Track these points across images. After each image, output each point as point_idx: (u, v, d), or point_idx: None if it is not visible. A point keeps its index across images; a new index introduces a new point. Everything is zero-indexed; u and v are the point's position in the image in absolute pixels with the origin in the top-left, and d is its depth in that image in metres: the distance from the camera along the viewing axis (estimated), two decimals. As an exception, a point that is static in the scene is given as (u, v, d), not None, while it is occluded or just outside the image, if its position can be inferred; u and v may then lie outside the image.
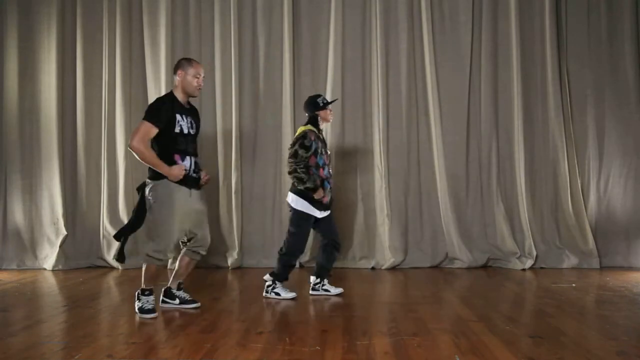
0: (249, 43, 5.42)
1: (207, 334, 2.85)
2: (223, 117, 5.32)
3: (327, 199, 3.77)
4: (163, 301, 3.52)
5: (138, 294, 3.31)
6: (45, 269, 5.21)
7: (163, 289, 3.54)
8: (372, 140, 5.32)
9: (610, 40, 5.33)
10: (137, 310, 3.27)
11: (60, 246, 5.20)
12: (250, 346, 2.60)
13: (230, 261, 5.19)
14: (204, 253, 3.46)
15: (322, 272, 3.93)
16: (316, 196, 3.64)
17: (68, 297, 3.94)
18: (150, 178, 3.23)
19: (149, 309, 3.24)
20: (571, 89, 5.36)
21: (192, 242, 3.38)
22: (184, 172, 3.17)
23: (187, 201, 3.25)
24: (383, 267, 5.13)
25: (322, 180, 3.71)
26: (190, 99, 3.38)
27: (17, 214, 5.36)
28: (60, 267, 5.15)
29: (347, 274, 4.91)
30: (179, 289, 3.53)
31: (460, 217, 5.27)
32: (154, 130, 3.14)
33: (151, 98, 5.40)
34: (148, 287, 3.29)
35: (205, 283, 4.46)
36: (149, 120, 3.14)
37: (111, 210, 5.33)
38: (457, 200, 5.28)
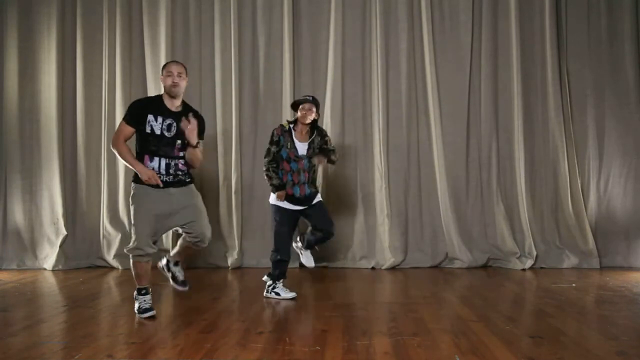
0: (249, 43, 5.42)
1: (207, 334, 2.85)
2: (223, 117, 5.32)
3: (289, 193, 3.83)
4: (162, 269, 3.59)
5: (135, 294, 3.33)
6: (45, 269, 5.21)
7: (165, 258, 3.59)
8: (372, 140, 5.32)
9: (610, 40, 5.33)
10: (135, 310, 3.29)
11: (60, 246, 5.20)
12: (250, 346, 2.60)
13: (230, 261, 5.19)
14: (204, 245, 3.42)
15: (302, 239, 4.16)
16: (277, 197, 3.84)
17: (68, 297, 3.94)
18: (134, 181, 3.28)
19: (145, 308, 3.26)
20: (571, 89, 5.36)
21: (190, 236, 3.35)
22: (156, 181, 3.16)
23: (166, 201, 3.23)
24: (383, 267, 5.13)
25: (287, 173, 3.84)
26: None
27: (17, 214, 5.37)
28: (60, 267, 5.15)
29: (347, 274, 4.91)
30: (175, 264, 3.55)
31: (460, 217, 5.27)
32: (127, 128, 3.24)
33: (151, 98, 5.42)
34: (142, 286, 3.31)
35: (205, 283, 4.46)
36: (123, 119, 3.27)
37: (111, 210, 5.33)
38: (457, 200, 5.28)
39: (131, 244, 3.23)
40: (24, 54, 5.40)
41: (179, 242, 3.49)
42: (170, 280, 3.56)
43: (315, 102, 3.88)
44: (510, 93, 5.32)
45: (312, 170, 3.94)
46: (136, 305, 3.30)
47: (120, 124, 3.28)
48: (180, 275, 3.56)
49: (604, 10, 5.33)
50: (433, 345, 2.61)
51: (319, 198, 4.02)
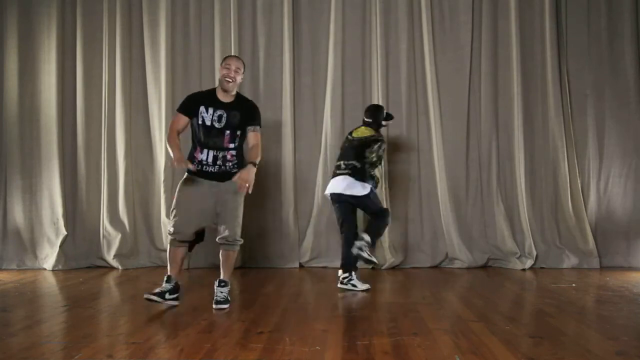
0: (249, 43, 5.42)
1: (207, 334, 2.84)
2: (223, 117, 5.33)
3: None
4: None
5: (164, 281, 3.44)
6: (45, 269, 5.21)
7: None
8: (372, 140, 5.32)
9: (610, 40, 5.33)
10: (156, 295, 3.37)
11: (60, 246, 5.20)
12: (250, 346, 2.60)
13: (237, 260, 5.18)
14: (232, 244, 3.45)
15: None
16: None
17: (68, 297, 3.94)
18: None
19: (159, 292, 3.34)
20: (571, 89, 5.36)
21: (218, 234, 3.47)
22: (186, 166, 3.27)
23: (206, 193, 3.36)
24: (383, 267, 5.13)
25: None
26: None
27: (17, 214, 5.36)
28: (60, 267, 5.15)
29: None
30: (219, 284, 3.52)
31: (460, 217, 5.27)
32: (180, 118, 3.40)
33: (151, 98, 5.42)
34: (168, 274, 3.42)
35: (205, 283, 4.45)
36: (177, 109, 3.46)
37: (111, 210, 5.33)
38: (457, 200, 5.28)
39: (170, 224, 3.38)
40: (24, 54, 5.40)
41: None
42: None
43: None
44: (510, 93, 5.32)
45: None
46: (157, 289, 3.37)
47: (174, 116, 3.48)
48: (219, 296, 3.47)
49: (604, 10, 5.34)
50: (433, 345, 2.61)
51: None
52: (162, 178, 5.28)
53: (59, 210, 5.29)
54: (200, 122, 3.35)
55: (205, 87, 5.39)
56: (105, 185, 5.34)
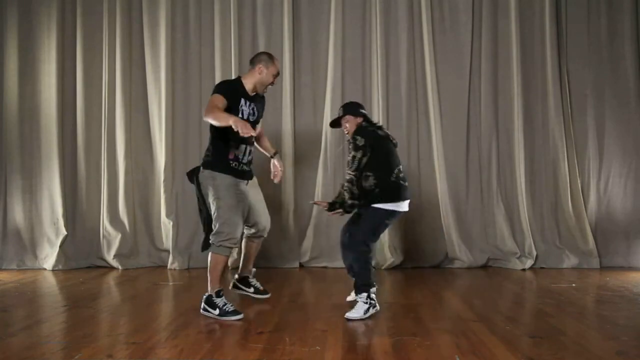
0: (249, 43, 5.42)
1: (207, 334, 2.85)
2: (223, 117, 5.33)
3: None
4: (235, 286, 3.68)
5: (209, 298, 3.20)
6: (45, 269, 5.21)
7: (236, 275, 3.71)
8: (372, 140, 5.32)
9: (610, 40, 5.33)
10: (217, 315, 3.15)
11: (60, 246, 5.20)
12: (250, 346, 2.60)
13: (230, 261, 5.17)
14: (266, 235, 3.62)
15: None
16: None
17: (68, 297, 3.94)
18: (206, 167, 3.26)
19: (234, 310, 3.16)
20: (571, 89, 5.36)
21: (254, 229, 3.51)
22: (247, 125, 2.91)
23: (244, 191, 3.34)
24: (383, 267, 5.13)
25: None
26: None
27: (17, 214, 5.36)
28: (60, 267, 5.15)
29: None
30: (253, 276, 3.68)
31: (460, 217, 5.27)
32: (222, 100, 3.11)
33: (151, 98, 5.41)
34: (221, 287, 3.25)
35: (205, 283, 4.45)
36: (217, 92, 3.16)
37: (111, 210, 5.33)
38: (457, 200, 5.28)
39: (221, 235, 3.16)
40: (24, 54, 5.40)
41: (244, 249, 3.62)
42: (254, 295, 3.67)
43: (346, 111, 3.49)
44: (510, 93, 5.32)
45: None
46: (216, 312, 3.15)
47: (213, 97, 3.13)
48: (259, 286, 3.70)
49: (604, 10, 5.33)
50: (433, 345, 2.61)
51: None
52: (162, 178, 5.28)
53: (59, 210, 5.29)
54: (240, 115, 3.21)
55: (205, 86, 5.42)
56: (105, 185, 5.34)
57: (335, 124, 3.59)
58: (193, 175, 3.35)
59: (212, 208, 3.23)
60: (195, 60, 5.43)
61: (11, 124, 5.40)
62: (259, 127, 3.55)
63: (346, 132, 3.48)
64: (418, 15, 5.35)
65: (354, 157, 3.26)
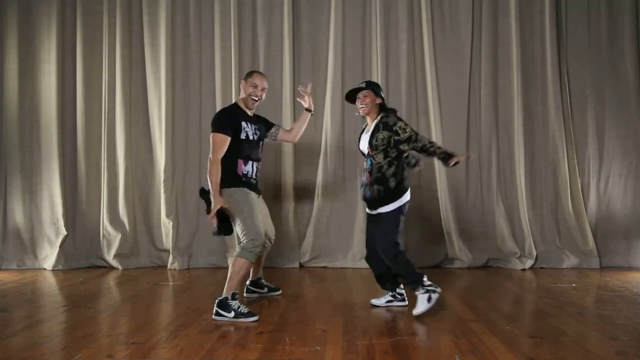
0: (249, 43, 5.42)
1: (207, 334, 2.85)
2: (223, 117, 5.33)
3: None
4: (249, 291, 3.89)
5: (224, 301, 3.19)
6: (45, 269, 5.21)
7: (248, 281, 3.90)
8: (372, 140, 5.32)
9: (610, 40, 5.33)
10: (232, 318, 3.13)
11: (60, 246, 5.20)
12: (250, 346, 2.60)
13: (230, 261, 5.17)
14: (272, 243, 3.85)
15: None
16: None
17: (68, 297, 3.94)
18: (221, 187, 3.33)
19: (249, 312, 3.16)
20: (571, 89, 5.36)
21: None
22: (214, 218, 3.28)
23: (257, 202, 3.56)
24: (383, 267, 5.12)
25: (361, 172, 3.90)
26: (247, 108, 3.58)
27: (17, 214, 5.36)
28: (60, 267, 5.15)
29: (347, 274, 4.91)
30: (261, 278, 3.93)
31: (460, 217, 5.27)
32: (226, 140, 3.34)
33: (151, 98, 5.42)
34: (238, 290, 3.27)
35: (205, 283, 4.46)
36: (218, 132, 3.34)
37: (111, 210, 5.33)
38: (457, 200, 5.28)
39: (256, 241, 3.27)
40: (24, 54, 5.40)
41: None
42: (268, 293, 3.93)
43: (370, 87, 3.40)
44: (510, 93, 5.32)
45: (375, 169, 3.30)
46: (231, 315, 3.14)
47: (215, 137, 3.33)
48: (270, 284, 3.97)
49: (604, 10, 5.34)
50: (433, 345, 2.61)
51: (383, 209, 3.32)
52: (162, 178, 5.28)
53: (59, 210, 5.29)
54: (244, 137, 3.42)
55: (205, 86, 5.42)
56: (105, 185, 5.34)
57: (350, 97, 3.49)
58: (203, 194, 3.46)
59: (238, 220, 3.34)
60: (195, 61, 5.43)
61: (11, 124, 5.40)
62: (282, 128, 3.93)
63: (361, 106, 3.41)
64: (418, 15, 5.35)
65: (411, 129, 3.30)
